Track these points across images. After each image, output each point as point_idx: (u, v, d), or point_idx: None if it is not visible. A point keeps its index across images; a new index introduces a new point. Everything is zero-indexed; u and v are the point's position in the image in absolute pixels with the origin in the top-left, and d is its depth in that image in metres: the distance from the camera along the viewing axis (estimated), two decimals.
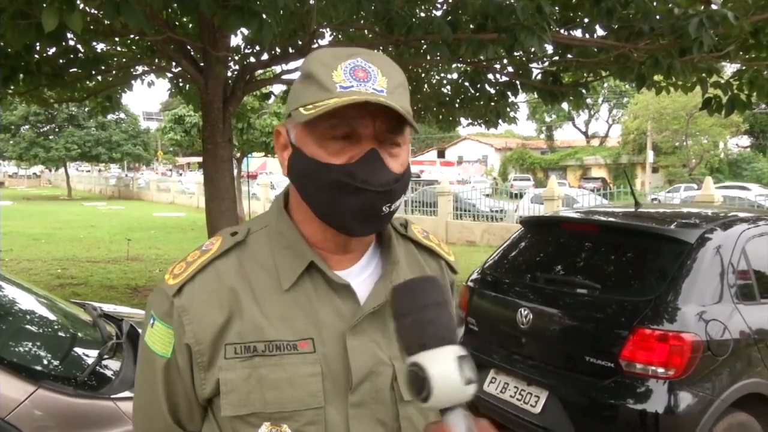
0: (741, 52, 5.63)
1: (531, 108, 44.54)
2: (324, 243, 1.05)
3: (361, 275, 1.07)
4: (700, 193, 14.47)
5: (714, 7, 4.76)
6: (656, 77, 6.15)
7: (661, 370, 2.98)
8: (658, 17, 5.09)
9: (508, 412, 3.56)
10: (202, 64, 5.86)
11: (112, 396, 2.02)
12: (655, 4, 5.19)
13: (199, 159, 41.47)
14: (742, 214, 3.80)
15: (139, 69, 7.32)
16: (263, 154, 20.37)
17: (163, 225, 19.63)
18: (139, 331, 2.56)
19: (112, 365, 2.47)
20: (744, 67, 6.07)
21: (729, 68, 6.38)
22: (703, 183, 13.99)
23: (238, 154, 19.50)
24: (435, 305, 0.88)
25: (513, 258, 4.14)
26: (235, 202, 6.41)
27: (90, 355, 2.52)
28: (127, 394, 2.14)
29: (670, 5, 5.00)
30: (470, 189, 20.67)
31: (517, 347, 3.67)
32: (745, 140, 41.31)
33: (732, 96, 5.98)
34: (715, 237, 3.37)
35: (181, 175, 42.02)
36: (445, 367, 0.83)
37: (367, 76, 0.97)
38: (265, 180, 27.64)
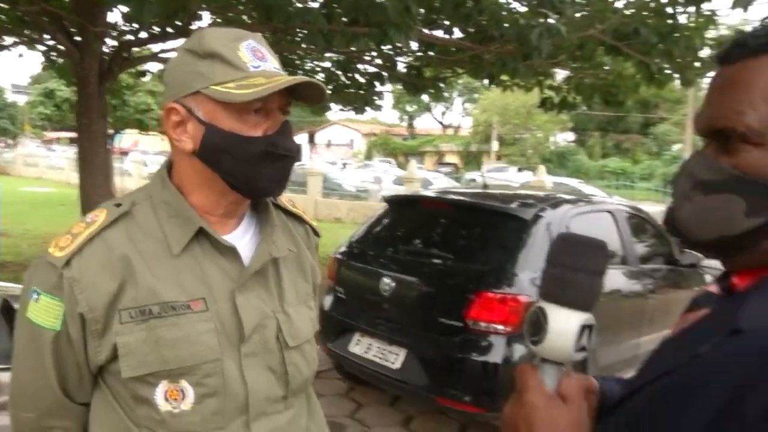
0: (570, 62, 6.13)
1: (395, 98, 45.29)
2: (214, 210, 1.07)
3: (243, 238, 1.10)
4: (535, 178, 15.58)
5: (551, 21, 5.15)
6: (503, 77, 6.55)
7: (500, 327, 3.25)
8: (506, 25, 5.43)
9: (371, 369, 3.71)
10: (77, 38, 5.48)
11: None
12: (504, 13, 5.51)
13: (69, 134, 38.44)
14: (567, 197, 4.21)
15: (8, 40, 6.69)
16: (136, 131, 19.27)
17: (31, 200, 18.08)
18: (12, 304, 2.37)
19: None
20: (571, 75, 6.62)
21: (560, 74, 6.95)
22: (537, 170, 15.05)
23: (111, 131, 18.32)
24: (587, 271, 0.80)
25: (377, 232, 4.29)
26: (108, 177, 6.09)
27: None
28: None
29: (516, 15, 5.33)
30: (342, 170, 20.85)
31: (380, 312, 3.82)
32: (570, 136, 44.55)
33: (562, 97, 6.52)
34: (546, 215, 3.70)
35: (53, 151, 38.65)
36: (567, 329, 0.78)
37: (263, 57, 1.01)
38: (137, 157, 26.22)
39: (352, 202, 16.34)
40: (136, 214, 1.04)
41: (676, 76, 5.97)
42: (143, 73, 9.57)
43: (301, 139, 52.44)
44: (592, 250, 0.81)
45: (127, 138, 29.42)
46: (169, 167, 1.09)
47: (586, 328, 0.79)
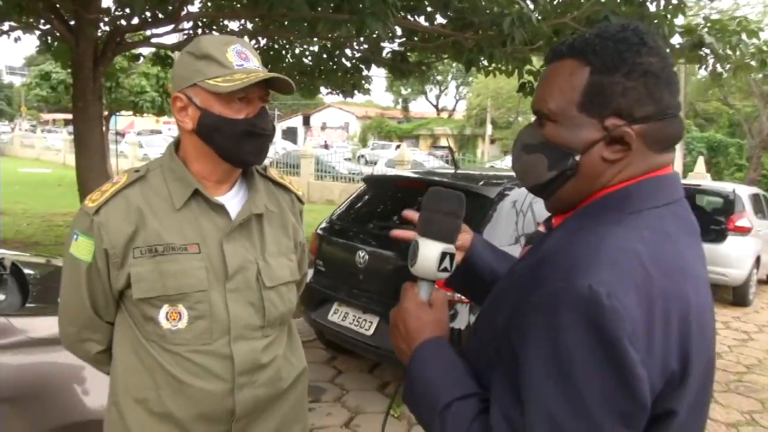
0: (546, 48, 6.31)
1: (389, 81, 45.25)
2: (210, 176, 1.36)
3: (234, 200, 1.40)
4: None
5: (527, 8, 5.34)
6: (484, 62, 6.74)
7: (464, 296, 3.50)
8: (488, 12, 5.61)
9: (347, 336, 3.98)
10: (72, 23, 5.66)
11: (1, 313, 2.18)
12: (484, 3, 5.70)
13: (65, 116, 38.34)
14: None
15: (6, 25, 6.86)
16: (131, 113, 19.34)
17: (29, 181, 18.23)
18: (20, 267, 2.71)
19: None
20: None
21: (541, 60, 7.12)
22: None
23: (106, 113, 18.40)
24: (445, 213, 1.06)
25: (356, 210, 4.53)
26: (104, 158, 6.29)
27: None
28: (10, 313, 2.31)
29: (492, 3, 5.52)
30: (332, 153, 21.00)
31: (356, 283, 4.06)
32: None
33: None
34: (512, 194, 3.94)
35: (49, 132, 38.61)
36: (431, 255, 1.04)
37: (247, 57, 1.30)
38: (133, 139, 26.32)
39: (344, 184, 16.54)
40: (149, 178, 1.35)
41: None
42: (137, 57, 9.72)
43: (296, 121, 52.45)
44: (450, 197, 1.07)
45: (123, 120, 29.44)
46: (177, 144, 1.39)
47: (447, 255, 1.05)
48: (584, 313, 0.76)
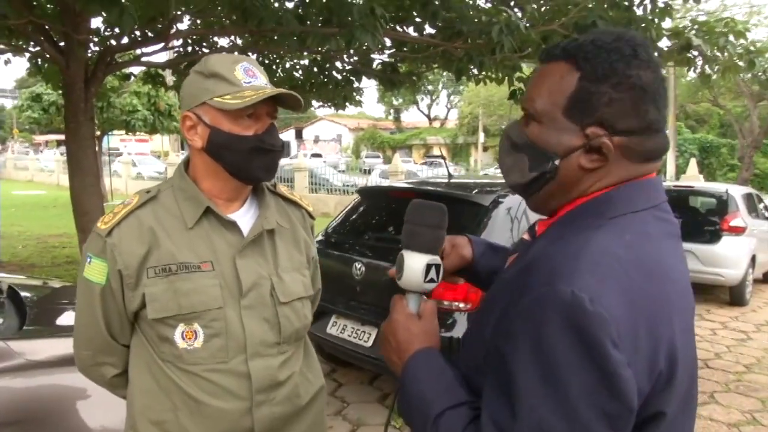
0: (535, 55, 6.35)
1: (380, 92, 45.43)
2: (220, 194, 1.37)
3: (245, 216, 1.40)
4: None
5: (514, 16, 5.38)
6: (474, 71, 6.78)
7: (462, 305, 3.50)
8: (476, 21, 5.65)
9: (346, 348, 3.97)
10: (62, 44, 5.66)
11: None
12: (472, 12, 5.74)
13: (58, 137, 38.25)
14: None
15: None
16: (123, 132, 19.31)
17: (23, 203, 18.19)
18: (17, 290, 2.71)
19: None
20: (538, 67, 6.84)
21: (531, 66, 7.17)
22: None
23: (99, 133, 18.38)
24: (428, 225, 1.10)
25: (351, 221, 4.54)
26: (98, 178, 6.27)
27: None
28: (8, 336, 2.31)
29: (479, 12, 5.56)
30: (323, 165, 21.04)
31: (353, 295, 4.06)
32: None
33: None
34: (506, 201, 3.95)
35: (41, 152, 38.56)
36: (416, 266, 1.07)
37: (254, 75, 1.30)
38: (126, 158, 26.32)
39: (339, 196, 16.55)
40: (161, 198, 1.36)
41: None
42: (128, 76, 9.73)
43: (288, 135, 52.57)
44: (432, 210, 1.10)
45: (114, 139, 29.47)
46: (186, 162, 1.40)
47: (432, 266, 1.07)
48: (567, 318, 0.77)
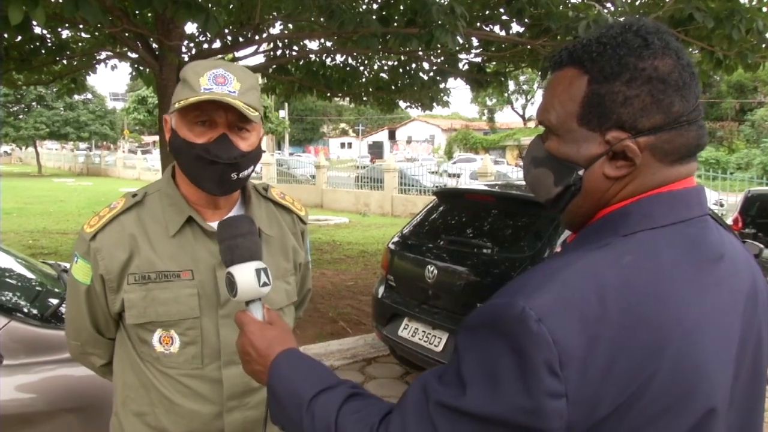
0: None
1: (474, 92, 44.95)
2: (199, 201, 1.36)
3: None
4: None
5: (604, 11, 5.16)
6: None
7: None
8: (563, 17, 5.46)
9: (417, 352, 3.94)
10: (157, 50, 6.00)
11: None
12: (561, 7, 5.55)
13: None
14: None
15: (102, 54, 7.38)
16: None
17: None
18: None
19: None
20: None
21: None
22: None
23: None
24: (242, 235, 1.15)
25: (427, 224, 4.50)
26: None
27: (54, 298, 2.89)
28: None
29: (567, 8, 5.37)
30: (418, 166, 21.06)
31: (426, 299, 4.04)
32: None
33: None
34: None
35: (150, 152, 41.16)
36: (247, 274, 1.11)
37: (225, 81, 1.24)
38: None
39: (428, 197, 16.51)
40: (146, 203, 1.36)
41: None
42: None
43: (381, 136, 53.13)
44: (239, 221, 1.17)
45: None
46: (174, 166, 1.39)
47: (260, 270, 1.13)
48: (510, 333, 0.74)
